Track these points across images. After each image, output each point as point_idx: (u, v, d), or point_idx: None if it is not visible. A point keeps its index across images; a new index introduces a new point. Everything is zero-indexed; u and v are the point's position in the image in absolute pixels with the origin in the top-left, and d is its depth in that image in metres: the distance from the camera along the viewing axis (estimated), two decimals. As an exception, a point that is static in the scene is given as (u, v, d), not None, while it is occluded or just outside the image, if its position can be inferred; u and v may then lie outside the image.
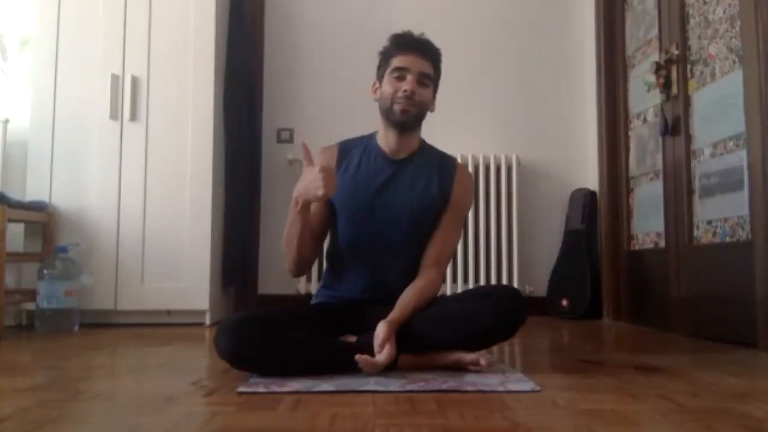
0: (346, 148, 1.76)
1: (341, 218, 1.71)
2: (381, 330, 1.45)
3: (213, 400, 1.21)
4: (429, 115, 1.73)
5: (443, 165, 1.74)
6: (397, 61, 1.65)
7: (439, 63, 1.71)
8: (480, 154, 3.15)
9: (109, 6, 2.74)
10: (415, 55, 1.65)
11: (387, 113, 1.67)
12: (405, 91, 1.62)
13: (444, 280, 2.98)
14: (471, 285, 3.02)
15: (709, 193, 2.27)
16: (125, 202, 2.68)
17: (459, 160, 3.12)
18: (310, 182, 1.51)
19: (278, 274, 3.24)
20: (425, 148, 1.77)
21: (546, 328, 2.57)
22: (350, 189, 1.69)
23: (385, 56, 1.70)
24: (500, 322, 1.51)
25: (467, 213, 1.83)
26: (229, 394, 1.26)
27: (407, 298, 1.56)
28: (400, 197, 1.68)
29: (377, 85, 1.73)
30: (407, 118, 1.65)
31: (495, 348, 1.98)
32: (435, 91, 1.74)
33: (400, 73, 1.65)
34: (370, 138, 1.77)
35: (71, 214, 2.67)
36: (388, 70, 1.67)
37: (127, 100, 2.71)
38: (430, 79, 1.68)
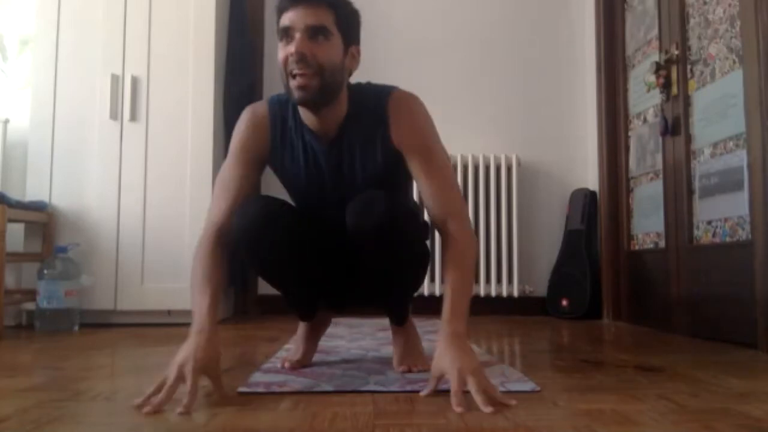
0: (276, 121, 1.47)
1: (292, 193, 1.54)
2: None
3: (213, 400, 1.21)
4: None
5: (379, 120, 1.41)
6: (282, 21, 1.33)
7: (343, 5, 1.38)
8: (480, 154, 3.15)
9: (109, 6, 2.75)
10: (299, 7, 1.31)
11: (288, 92, 1.35)
12: (292, 54, 1.29)
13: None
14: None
15: (709, 193, 2.27)
16: (125, 202, 2.68)
17: (459, 160, 3.15)
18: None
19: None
20: (354, 111, 1.42)
21: (546, 328, 2.57)
22: (292, 174, 1.47)
23: (276, 20, 1.36)
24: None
25: (434, 140, 1.45)
26: (229, 394, 1.26)
27: (452, 296, 1.29)
28: (345, 185, 1.43)
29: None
30: (308, 96, 1.31)
31: (495, 348, 1.98)
32: (350, 41, 1.40)
33: (287, 35, 1.32)
34: (296, 111, 1.43)
35: (71, 214, 2.67)
36: (278, 36, 1.35)
37: (127, 100, 2.71)
38: (327, 31, 1.32)
